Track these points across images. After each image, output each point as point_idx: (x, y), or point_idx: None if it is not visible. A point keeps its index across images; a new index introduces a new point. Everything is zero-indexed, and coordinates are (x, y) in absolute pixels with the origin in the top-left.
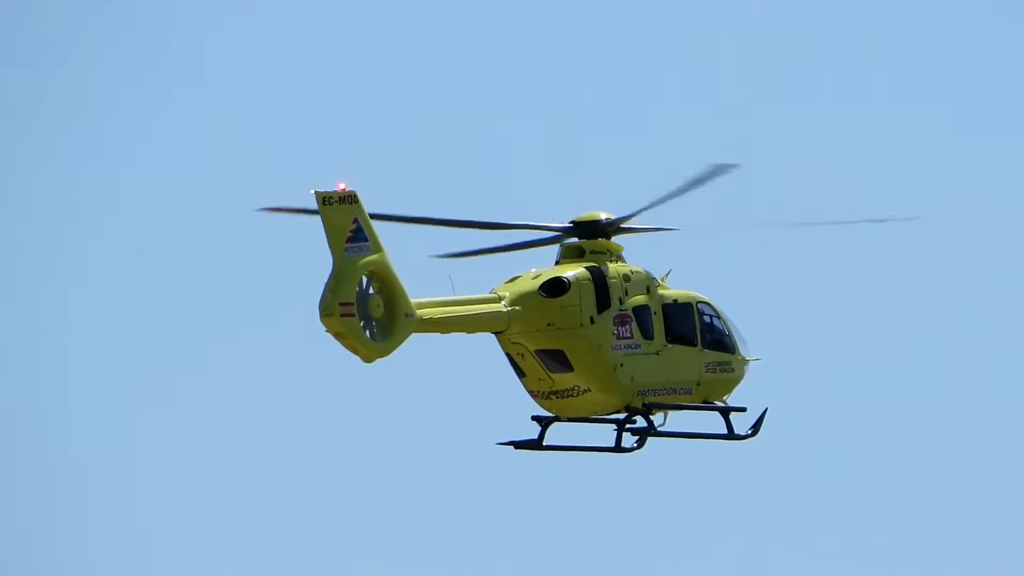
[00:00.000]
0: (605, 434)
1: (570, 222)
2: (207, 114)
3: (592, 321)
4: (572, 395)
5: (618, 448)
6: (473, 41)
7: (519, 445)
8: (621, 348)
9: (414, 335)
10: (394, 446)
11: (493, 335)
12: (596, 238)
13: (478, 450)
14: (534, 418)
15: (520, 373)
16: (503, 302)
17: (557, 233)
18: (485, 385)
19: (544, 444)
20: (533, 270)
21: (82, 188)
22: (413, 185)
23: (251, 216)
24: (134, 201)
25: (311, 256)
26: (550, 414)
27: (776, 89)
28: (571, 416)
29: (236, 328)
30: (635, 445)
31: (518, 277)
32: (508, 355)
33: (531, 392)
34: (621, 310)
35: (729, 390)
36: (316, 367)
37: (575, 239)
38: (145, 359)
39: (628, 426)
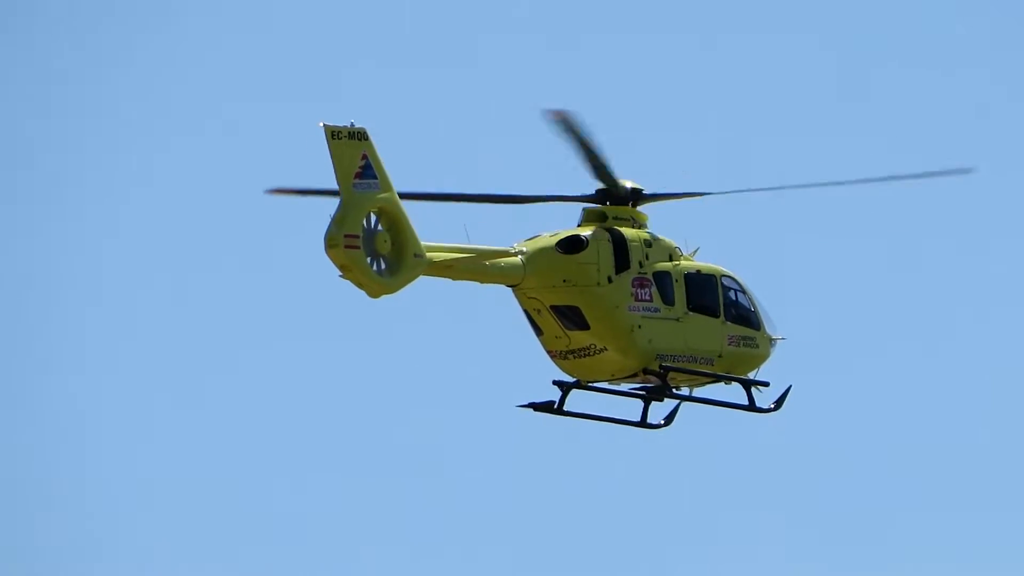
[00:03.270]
0: (631, 408)
1: (595, 190)
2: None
3: (609, 280)
4: (588, 354)
5: (644, 423)
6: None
7: (538, 407)
8: (639, 310)
9: (427, 281)
10: (410, 402)
11: (509, 289)
12: (620, 205)
13: (496, 411)
14: (555, 383)
15: (538, 331)
16: (519, 256)
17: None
18: (504, 344)
19: (564, 410)
20: (553, 231)
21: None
22: (427, 155)
23: (258, 199)
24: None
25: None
26: (571, 379)
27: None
28: (590, 379)
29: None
30: (662, 422)
31: (537, 236)
32: (525, 311)
33: (549, 352)
34: (640, 273)
35: (753, 367)
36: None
37: (598, 205)
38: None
39: (655, 401)
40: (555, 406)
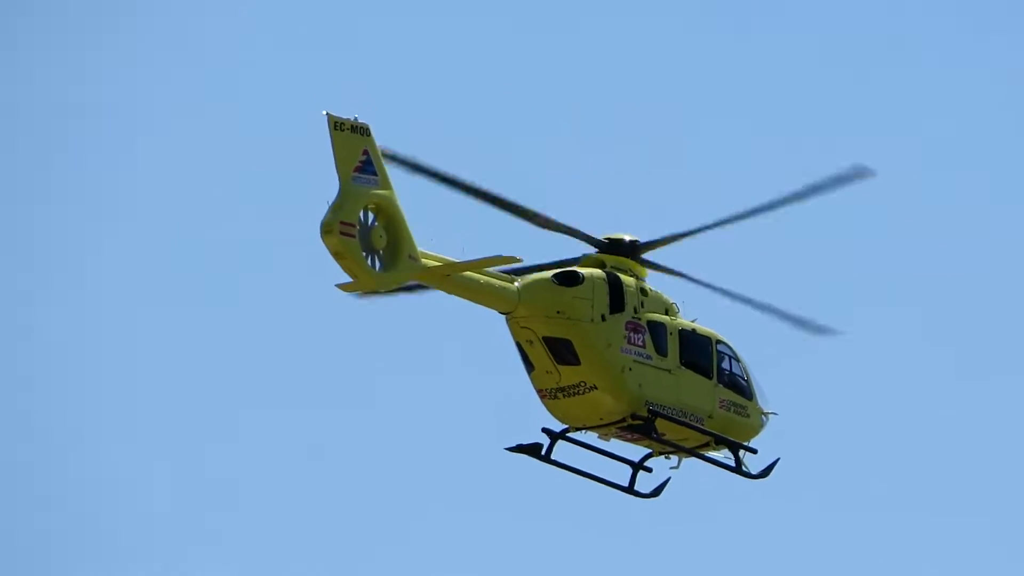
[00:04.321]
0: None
1: (604, 236)
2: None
3: (603, 319)
4: (578, 393)
5: (631, 490)
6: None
7: (525, 449)
8: (631, 353)
9: (424, 308)
10: (394, 434)
11: (503, 317)
12: (621, 256)
13: (483, 451)
14: (544, 430)
15: (529, 367)
16: (515, 283)
17: (586, 245)
18: (495, 382)
19: (552, 459)
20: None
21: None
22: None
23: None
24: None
25: None
26: (560, 426)
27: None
28: (578, 424)
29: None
30: (649, 493)
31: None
32: (518, 344)
33: (539, 392)
34: (635, 318)
35: (743, 437)
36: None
37: (598, 252)
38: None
39: (644, 471)
40: (542, 452)
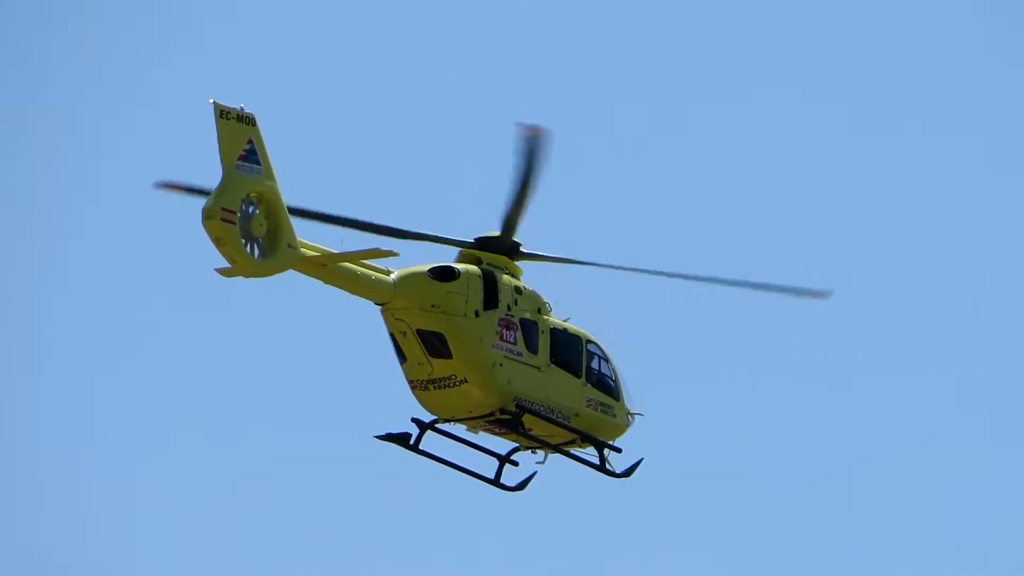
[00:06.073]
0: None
1: (475, 238)
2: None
3: (476, 315)
4: (449, 385)
5: (497, 482)
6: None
7: (393, 438)
8: (502, 349)
9: (301, 293)
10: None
11: (378, 308)
12: (497, 254)
13: (351, 439)
14: (414, 420)
15: (402, 358)
16: (391, 275)
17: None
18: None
19: (420, 449)
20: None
21: None
22: (314, 179)
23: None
24: None
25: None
26: (430, 416)
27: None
28: (448, 416)
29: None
30: (515, 486)
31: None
32: (391, 335)
33: (411, 383)
34: (508, 315)
35: (609, 436)
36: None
37: (474, 249)
38: None
39: (510, 464)
40: (411, 441)
